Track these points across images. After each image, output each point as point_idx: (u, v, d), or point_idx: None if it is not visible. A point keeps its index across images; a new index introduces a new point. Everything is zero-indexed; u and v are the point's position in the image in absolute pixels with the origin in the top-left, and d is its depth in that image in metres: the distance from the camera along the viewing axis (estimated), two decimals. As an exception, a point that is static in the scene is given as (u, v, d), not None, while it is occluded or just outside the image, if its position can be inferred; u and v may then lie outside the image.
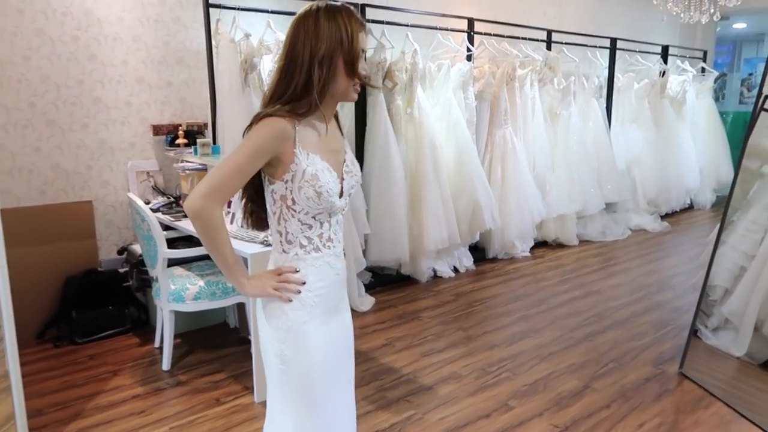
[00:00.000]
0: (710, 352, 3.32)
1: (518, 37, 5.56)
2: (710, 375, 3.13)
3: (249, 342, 3.27)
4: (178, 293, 3.15)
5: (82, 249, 3.76)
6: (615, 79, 6.75)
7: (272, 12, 3.98)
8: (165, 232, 3.26)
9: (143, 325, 3.79)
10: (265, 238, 2.82)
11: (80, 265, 3.71)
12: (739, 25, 9.41)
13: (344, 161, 1.60)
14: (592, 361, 3.34)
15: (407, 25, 4.65)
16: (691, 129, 7.73)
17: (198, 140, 3.67)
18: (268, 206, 1.56)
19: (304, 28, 1.46)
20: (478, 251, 5.40)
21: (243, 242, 2.83)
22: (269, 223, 1.58)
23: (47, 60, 3.56)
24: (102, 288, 3.69)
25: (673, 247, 6.03)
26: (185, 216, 3.45)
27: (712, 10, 4.69)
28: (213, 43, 3.83)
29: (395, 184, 4.47)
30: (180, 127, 3.97)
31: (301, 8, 1.51)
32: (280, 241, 1.55)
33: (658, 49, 7.50)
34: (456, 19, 5.09)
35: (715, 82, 8.36)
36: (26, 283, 3.51)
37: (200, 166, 3.61)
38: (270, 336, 1.55)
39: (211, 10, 3.78)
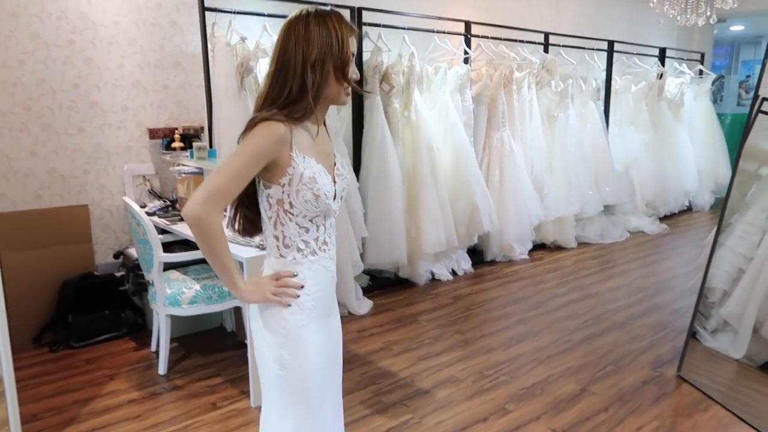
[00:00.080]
0: (709, 355, 3.31)
1: (515, 40, 5.57)
2: (708, 378, 3.11)
3: (246, 346, 3.25)
4: (174, 297, 3.14)
5: (78, 253, 3.74)
6: (612, 82, 6.76)
7: (268, 15, 3.98)
8: (161, 236, 3.26)
9: (140, 329, 3.78)
10: (261, 243, 2.81)
11: (76, 269, 3.70)
12: (737, 28, 9.42)
13: (335, 164, 1.61)
14: (590, 364, 3.33)
15: (404, 28, 4.65)
16: (689, 131, 7.74)
17: (194, 144, 3.67)
18: (262, 211, 1.55)
19: (294, 33, 1.46)
20: (476, 254, 5.39)
21: (239, 246, 2.81)
22: (263, 228, 1.58)
23: (42, 64, 3.55)
24: (98, 292, 3.67)
25: (672, 249, 6.02)
26: (181, 220, 3.46)
27: (708, 13, 4.69)
28: (209, 46, 3.83)
29: (392, 187, 4.47)
30: (176, 131, 3.97)
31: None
32: (277, 246, 1.54)
33: (656, 52, 7.51)
34: (453, 22, 5.09)
35: (713, 84, 8.37)
36: (22, 288, 3.50)
37: (196, 170, 3.61)
38: (268, 341, 1.55)
39: (207, 13, 3.77)
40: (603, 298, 4.47)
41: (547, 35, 6.03)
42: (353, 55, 1.52)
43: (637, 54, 7.16)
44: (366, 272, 4.57)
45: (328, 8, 1.51)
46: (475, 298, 4.48)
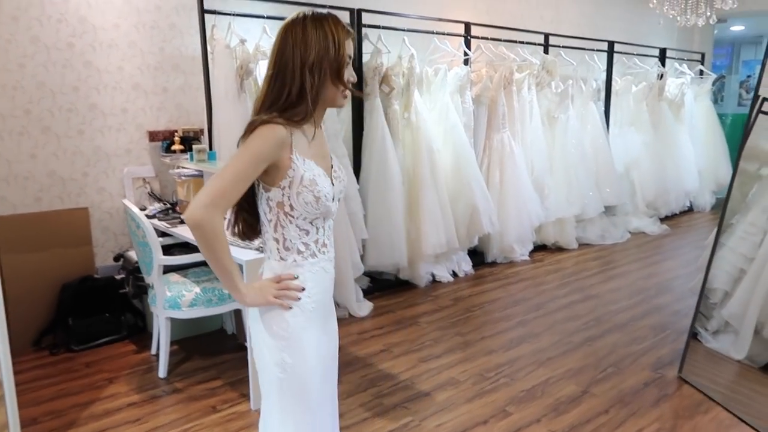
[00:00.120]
0: (710, 356, 3.30)
1: (515, 41, 5.56)
2: (709, 379, 3.11)
3: (246, 349, 3.24)
4: (174, 300, 3.14)
5: (78, 256, 3.74)
6: (613, 83, 6.75)
7: (268, 17, 3.97)
8: (161, 239, 3.25)
9: (140, 331, 3.78)
10: (261, 245, 2.81)
11: (76, 272, 3.70)
12: (737, 28, 9.41)
13: (331, 166, 1.61)
14: (591, 365, 3.32)
15: (404, 30, 4.64)
16: (689, 131, 7.73)
17: (194, 146, 3.66)
18: (262, 214, 1.56)
19: (292, 37, 1.46)
20: (477, 255, 5.39)
21: (238, 249, 2.81)
22: (263, 232, 1.59)
23: (42, 67, 3.55)
24: (98, 295, 3.67)
25: (673, 250, 6.01)
26: (181, 222, 3.46)
27: (708, 13, 4.68)
28: (208, 49, 3.82)
29: (393, 188, 4.46)
30: (176, 133, 3.97)
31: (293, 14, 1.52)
32: (277, 249, 1.55)
33: (656, 52, 7.51)
34: (453, 23, 5.09)
35: (714, 84, 8.36)
36: (22, 291, 3.51)
37: (196, 172, 3.60)
38: (269, 345, 1.55)
39: (207, 16, 3.77)
40: (604, 299, 4.46)
41: (547, 36, 6.03)
42: (350, 57, 1.52)
43: (637, 54, 7.15)
44: (366, 274, 4.57)
45: (325, 11, 1.51)
46: (475, 299, 4.47)
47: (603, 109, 6.57)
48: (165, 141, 3.97)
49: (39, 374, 3.25)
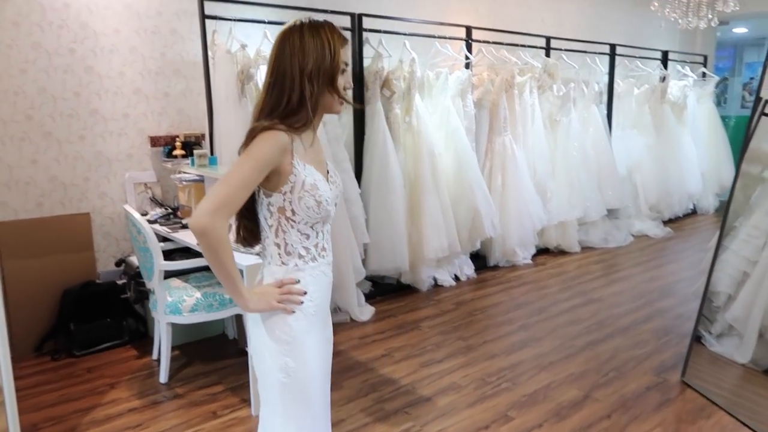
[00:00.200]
0: (713, 360, 3.28)
1: (517, 45, 5.56)
2: (713, 383, 3.09)
3: (247, 353, 3.24)
4: (174, 305, 3.14)
5: (79, 261, 3.75)
6: (615, 85, 6.74)
7: (268, 23, 3.98)
8: (162, 244, 3.26)
9: (142, 336, 3.78)
10: (260, 250, 2.80)
11: (78, 278, 3.71)
12: (740, 30, 9.39)
13: (327, 172, 1.63)
14: (593, 370, 3.31)
15: (405, 34, 4.65)
16: (692, 134, 7.70)
17: (195, 151, 3.67)
18: (262, 220, 1.57)
19: (289, 44, 1.48)
20: (479, 259, 5.38)
21: (237, 254, 2.80)
22: (263, 237, 1.60)
23: (44, 72, 3.57)
24: (100, 300, 3.67)
25: (676, 253, 5.99)
26: (182, 227, 3.47)
27: (709, 16, 4.67)
28: (209, 54, 3.83)
29: (394, 192, 4.46)
30: (177, 138, 3.97)
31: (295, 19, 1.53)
32: (279, 253, 1.56)
33: (658, 55, 7.49)
34: (454, 27, 5.09)
35: (717, 86, 8.34)
36: (24, 296, 3.51)
37: (197, 177, 3.61)
38: (271, 349, 1.55)
39: (208, 21, 3.78)
40: (606, 303, 4.44)
41: (548, 39, 6.02)
42: (346, 65, 1.54)
43: (639, 57, 7.14)
44: (368, 278, 4.56)
45: (321, 19, 1.53)
46: (477, 303, 4.46)
47: (605, 111, 6.56)
48: (166, 146, 3.98)
49: (40, 380, 3.25)
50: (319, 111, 1.54)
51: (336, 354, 3.37)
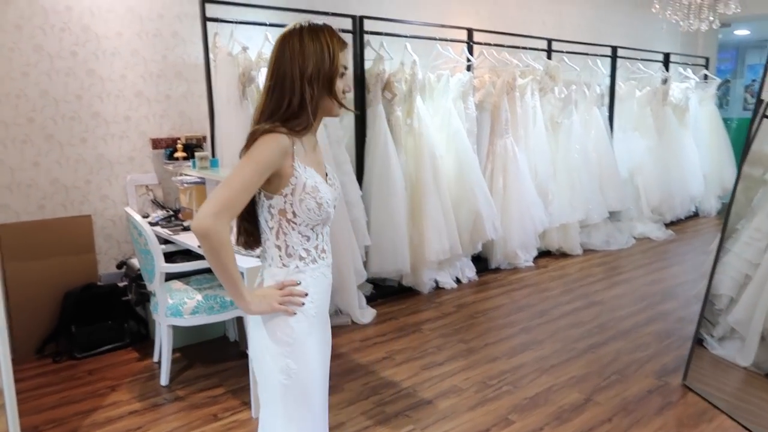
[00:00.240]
0: (715, 363, 3.28)
1: (518, 47, 5.56)
2: (714, 387, 3.08)
3: (248, 356, 3.24)
4: (175, 308, 3.14)
5: (81, 263, 3.75)
6: (616, 87, 6.74)
7: (270, 25, 3.99)
8: (163, 246, 3.26)
9: (143, 339, 3.78)
10: (261, 252, 2.81)
11: (79, 280, 3.71)
12: (742, 32, 9.38)
13: (326, 174, 1.64)
14: (594, 373, 3.30)
15: (406, 36, 4.65)
16: (694, 136, 7.69)
17: (197, 154, 3.67)
18: (263, 222, 1.57)
19: (289, 48, 1.49)
20: (480, 261, 5.37)
21: (238, 256, 2.80)
22: (263, 240, 1.61)
23: (46, 75, 3.57)
24: (101, 302, 3.67)
25: (678, 256, 5.98)
26: (184, 229, 3.47)
27: (711, 18, 4.67)
28: (211, 56, 3.84)
29: (395, 195, 4.46)
30: (179, 141, 3.98)
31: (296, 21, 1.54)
32: (279, 256, 1.57)
33: (660, 57, 7.49)
34: (455, 29, 5.09)
35: (718, 88, 8.33)
36: (25, 298, 3.52)
37: (199, 180, 3.61)
38: (273, 351, 1.56)
39: (209, 23, 3.79)
40: (608, 305, 4.43)
41: (549, 42, 6.02)
42: (345, 68, 1.54)
43: (641, 59, 7.13)
44: (369, 281, 4.56)
45: (321, 23, 1.54)
46: (479, 306, 4.45)
47: (607, 114, 6.56)
48: (168, 148, 3.98)
49: (41, 382, 3.25)
50: (319, 114, 1.55)
51: (337, 356, 3.38)
